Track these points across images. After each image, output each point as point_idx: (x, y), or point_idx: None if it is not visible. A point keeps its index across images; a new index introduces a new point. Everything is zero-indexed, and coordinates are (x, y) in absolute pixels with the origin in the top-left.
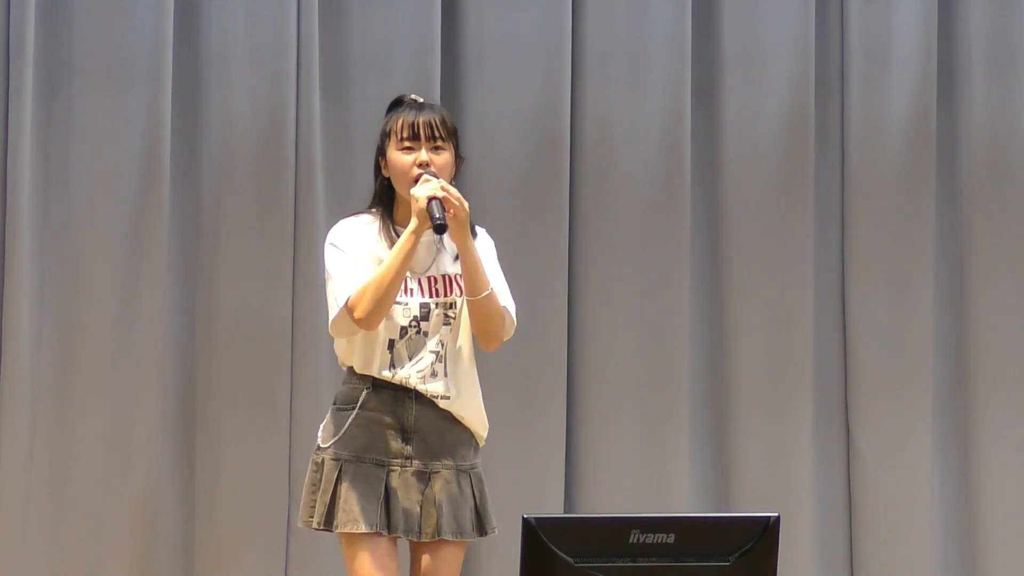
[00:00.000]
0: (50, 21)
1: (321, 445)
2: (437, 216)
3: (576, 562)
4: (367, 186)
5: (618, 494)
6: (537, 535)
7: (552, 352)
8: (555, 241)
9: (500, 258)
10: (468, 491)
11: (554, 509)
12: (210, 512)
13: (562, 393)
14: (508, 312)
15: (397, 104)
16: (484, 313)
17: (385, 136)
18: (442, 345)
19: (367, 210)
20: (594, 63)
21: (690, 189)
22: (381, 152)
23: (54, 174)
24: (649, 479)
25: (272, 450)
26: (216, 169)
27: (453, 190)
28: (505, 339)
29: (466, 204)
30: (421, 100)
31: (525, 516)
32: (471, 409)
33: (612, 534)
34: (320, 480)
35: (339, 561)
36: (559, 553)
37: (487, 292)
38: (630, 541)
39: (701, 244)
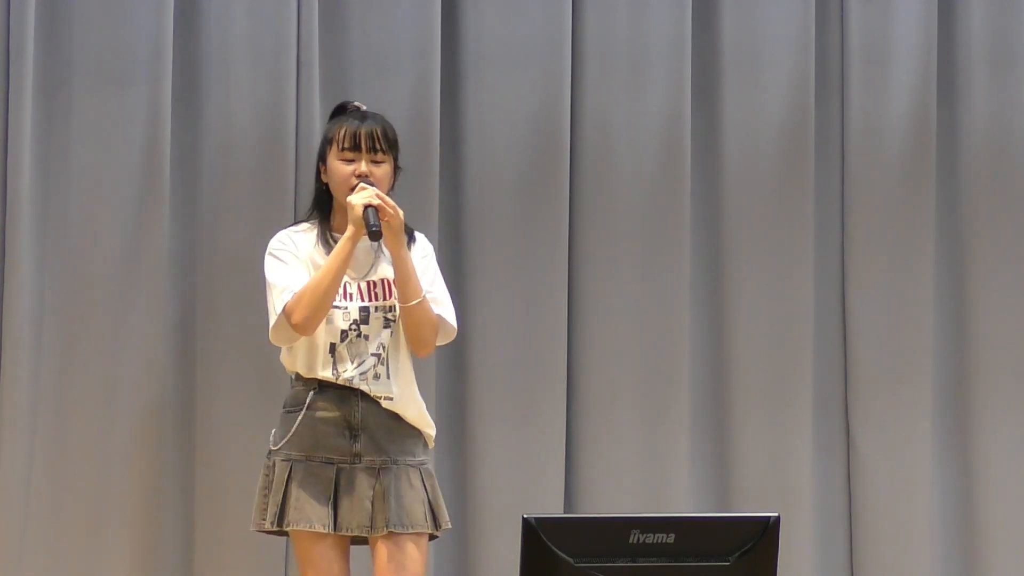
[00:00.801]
0: (50, 21)
1: (272, 448)
2: (372, 223)
3: (576, 562)
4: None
5: (618, 494)
6: (537, 535)
7: (552, 352)
8: (555, 241)
9: (500, 259)
10: (419, 485)
11: (554, 509)
12: (210, 512)
13: (562, 393)
14: (444, 319)
15: (340, 111)
16: (416, 320)
17: (327, 143)
18: (383, 347)
19: (306, 219)
20: (594, 63)
21: (690, 189)
22: (322, 158)
23: (54, 174)
24: (649, 479)
25: None
26: (216, 169)
27: (388, 199)
28: (442, 343)
29: (400, 213)
30: (364, 108)
31: (525, 516)
32: (414, 409)
33: (612, 534)
34: (272, 482)
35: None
36: (559, 553)
37: (418, 300)
38: (630, 541)
39: (701, 244)
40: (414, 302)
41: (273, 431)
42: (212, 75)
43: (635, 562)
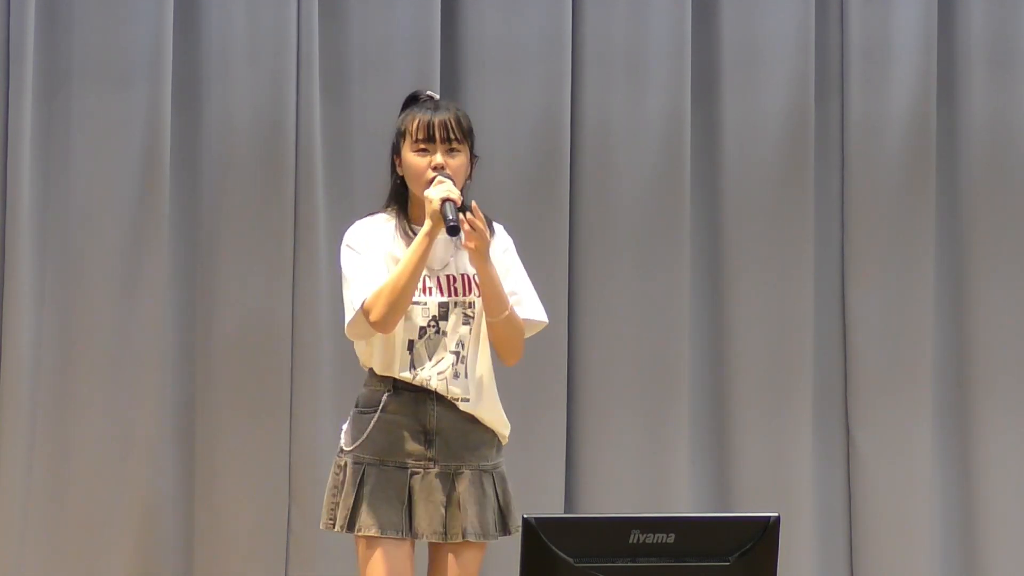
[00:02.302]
0: (50, 21)
1: (344, 448)
2: (451, 218)
3: (576, 562)
4: (367, 186)
5: (618, 494)
6: (537, 535)
7: (552, 352)
8: (555, 241)
9: None
10: (491, 491)
11: (554, 509)
12: (210, 512)
13: (562, 393)
14: (532, 321)
15: (412, 101)
16: (505, 333)
17: (400, 135)
18: (462, 345)
19: (383, 209)
20: (594, 64)
21: (690, 189)
22: (396, 151)
23: (54, 174)
24: (649, 479)
25: (272, 450)
26: (216, 169)
27: (478, 216)
28: (530, 335)
29: (487, 233)
30: (436, 97)
31: (525, 516)
32: (491, 410)
33: (612, 534)
34: (343, 483)
35: (339, 562)
36: (559, 553)
37: (506, 313)
38: (630, 541)
39: (701, 244)
40: (503, 316)
41: (344, 429)
42: (212, 75)
43: (635, 562)
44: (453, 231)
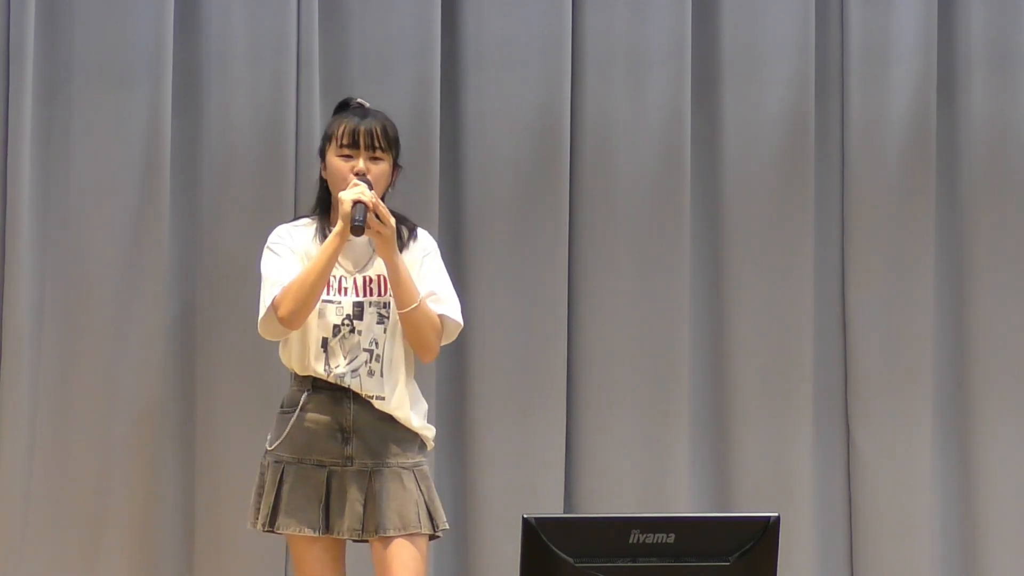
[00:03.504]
0: (50, 21)
1: (267, 448)
2: (357, 218)
3: (576, 562)
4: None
5: (618, 494)
6: (537, 535)
7: (552, 352)
8: (555, 241)
9: (500, 259)
10: (413, 487)
11: (554, 509)
12: (210, 512)
13: (562, 393)
14: (447, 318)
15: (343, 107)
16: (414, 325)
17: (326, 139)
18: (376, 343)
19: (309, 214)
20: (594, 63)
21: (690, 189)
22: (321, 154)
23: (54, 174)
24: (649, 479)
25: None
26: (216, 169)
27: (382, 206)
28: (447, 342)
29: (392, 220)
30: (366, 105)
31: (525, 516)
32: (406, 410)
33: (612, 534)
34: (264, 483)
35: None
36: (559, 553)
37: (414, 305)
38: (630, 541)
39: (701, 244)
40: (410, 307)
41: (270, 432)
42: (212, 75)
43: (635, 562)
44: (357, 231)
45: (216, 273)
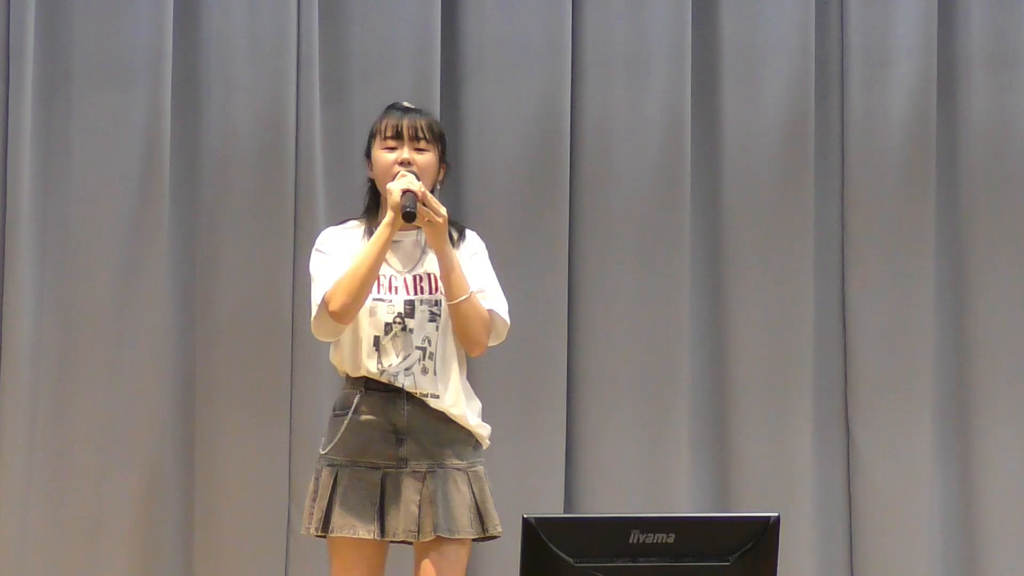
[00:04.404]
0: (50, 21)
1: (321, 452)
2: (407, 205)
3: (576, 562)
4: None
5: (618, 494)
6: (537, 535)
7: (552, 352)
8: (555, 241)
9: (500, 259)
10: (466, 489)
11: (554, 509)
12: (210, 512)
13: (562, 393)
14: (496, 314)
15: (389, 108)
16: (463, 316)
17: (371, 137)
18: (428, 341)
19: (357, 217)
20: (594, 64)
21: (690, 189)
22: (367, 154)
23: (54, 174)
24: (649, 479)
25: (272, 451)
26: (216, 169)
27: (431, 198)
28: (494, 343)
29: (443, 210)
30: (412, 106)
31: (525, 516)
32: (462, 407)
33: (612, 534)
34: (318, 487)
35: None
36: (559, 553)
37: (465, 296)
38: (630, 541)
39: (701, 244)
40: (461, 299)
41: (323, 436)
42: (212, 75)
43: (635, 562)
44: (409, 217)
45: (216, 273)
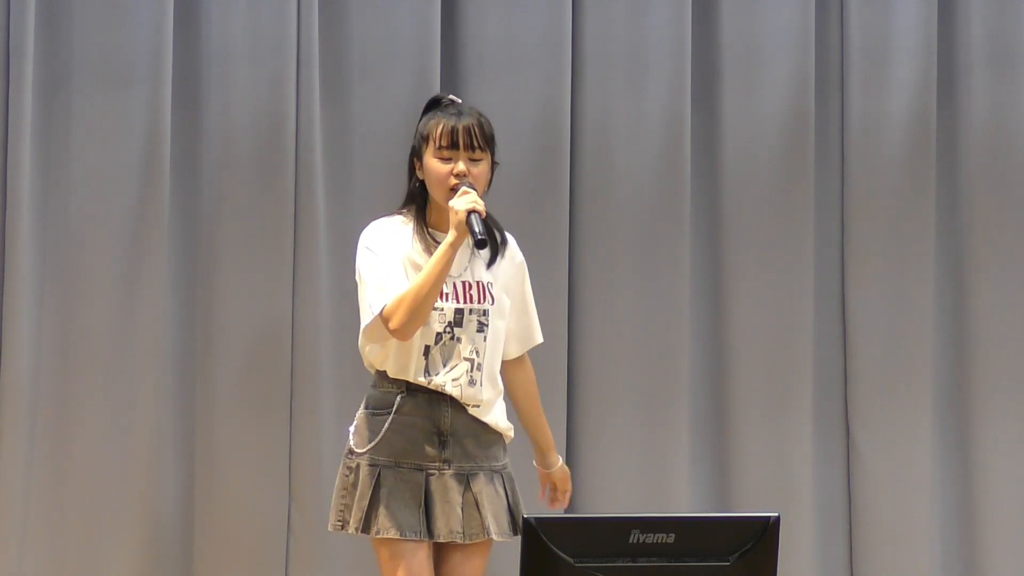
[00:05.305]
0: (50, 21)
1: (356, 450)
2: (478, 231)
3: (576, 562)
4: (367, 186)
5: (618, 494)
6: (537, 535)
7: (552, 353)
8: (555, 241)
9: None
10: (502, 491)
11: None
12: (210, 512)
13: (562, 393)
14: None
15: (434, 104)
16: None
17: (423, 139)
18: (477, 352)
19: (399, 211)
20: (594, 64)
21: (690, 189)
22: (417, 154)
23: (54, 173)
24: (649, 479)
25: (272, 450)
26: (216, 169)
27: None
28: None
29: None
30: (459, 102)
31: (525, 516)
32: (498, 414)
33: (612, 534)
34: (356, 485)
35: (339, 563)
36: (559, 553)
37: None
38: (630, 541)
39: (701, 244)
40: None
41: (352, 431)
42: (212, 75)
43: (635, 562)
44: (481, 244)
45: (216, 273)
